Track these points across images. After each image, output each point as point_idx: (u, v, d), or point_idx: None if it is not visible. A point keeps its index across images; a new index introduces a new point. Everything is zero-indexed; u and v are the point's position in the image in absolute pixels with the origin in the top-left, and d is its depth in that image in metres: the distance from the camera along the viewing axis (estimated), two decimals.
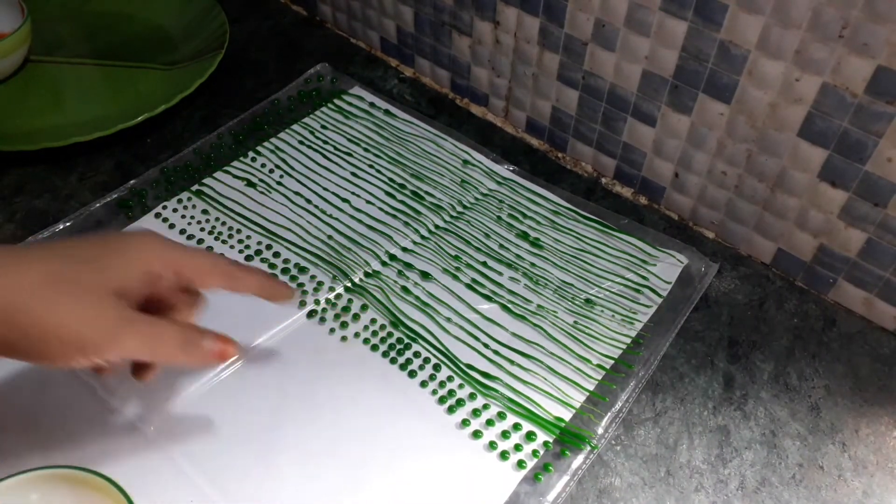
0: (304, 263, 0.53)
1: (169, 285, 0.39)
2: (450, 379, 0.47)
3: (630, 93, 0.55)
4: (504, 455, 0.44)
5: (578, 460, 0.43)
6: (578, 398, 0.46)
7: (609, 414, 0.45)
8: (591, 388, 0.47)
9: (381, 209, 0.57)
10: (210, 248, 0.54)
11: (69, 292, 0.34)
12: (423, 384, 0.47)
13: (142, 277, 0.37)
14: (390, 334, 0.49)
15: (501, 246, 0.55)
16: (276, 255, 0.54)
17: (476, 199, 0.58)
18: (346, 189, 0.59)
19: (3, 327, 0.33)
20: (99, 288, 0.35)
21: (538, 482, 0.43)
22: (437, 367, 0.47)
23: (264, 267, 0.53)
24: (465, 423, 0.45)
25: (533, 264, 0.54)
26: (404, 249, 0.54)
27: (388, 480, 0.42)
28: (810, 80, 0.45)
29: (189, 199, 0.57)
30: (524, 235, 0.56)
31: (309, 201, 0.58)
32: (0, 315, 0.33)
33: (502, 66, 0.63)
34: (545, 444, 0.44)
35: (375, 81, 0.70)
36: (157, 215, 0.56)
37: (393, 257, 0.54)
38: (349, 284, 0.52)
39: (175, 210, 0.56)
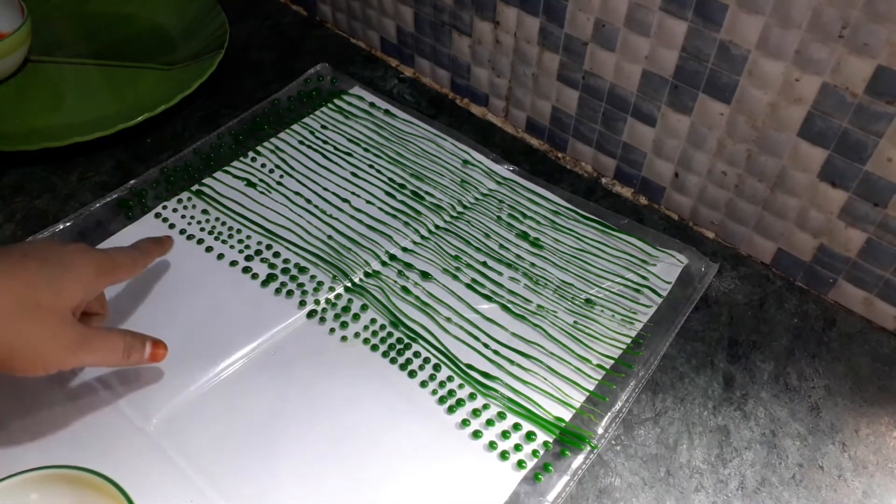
0: (304, 263, 0.53)
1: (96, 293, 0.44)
2: (450, 379, 0.47)
3: (630, 93, 0.55)
4: (504, 455, 0.44)
5: (578, 460, 0.43)
6: (578, 398, 0.46)
7: (609, 414, 0.45)
8: (591, 388, 0.47)
9: (381, 209, 0.57)
10: (210, 249, 0.54)
11: (32, 317, 0.38)
12: (423, 384, 0.47)
13: (89, 293, 0.42)
14: (390, 334, 0.49)
15: (501, 246, 0.55)
16: (276, 255, 0.54)
17: (476, 199, 0.58)
18: (346, 189, 0.59)
19: None
20: (57, 309, 0.39)
21: (538, 482, 0.43)
22: (437, 367, 0.47)
23: (264, 267, 0.53)
24: (465, 423, 0.45)
25: (533, 264, 0.54)
26: (404, 249, 0.54)
27: (388, 480, 0.42)
28: (810, 80, 0.45)
29: (189, 199, 0.57)
30: (524, 235, 0.56)
31: (309, 201, 0.58)
32: None
33: (502, 66, 0.63)
34: (545, 444, 0.44)
35: (375, 81, 0.70)
36: (157, 215, 0.56)
37: (393, 257, 0.54)
38: (349, 284, 0.52)
39: (175, 210, 0.56)
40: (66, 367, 0.40)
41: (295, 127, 0.64)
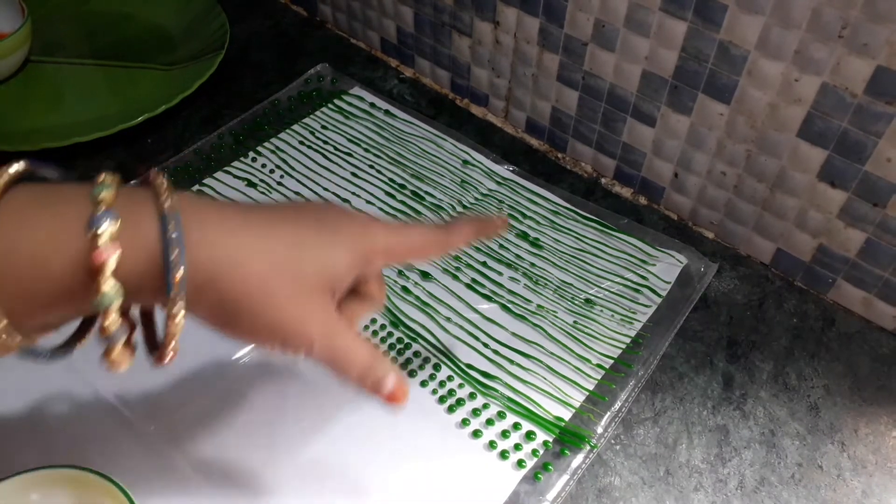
0: None
1: (374, 272, 0.37)
2: (450, 378, 0.47)
3: (630, 93, 0.55)
4: (504, 454, 0.44)
5: (578, 459, 0.43)
6: (578, 398, 0.46)
7: (608, 413, 0.46)
8: (591, 387, 0.47)
9: (381, 209, 0.57)
10: None
11: (288, 287, 0.32)
12: (423, 384, 0.47)
13: (358, 271, 0.35)
14: (390, 334, 0.49)
15: (501, 246, 0.55)
16: None
17: (476, 199, 0.59)
18: (346, 189, 0.59)
19: (217, 306, 0.31)
20: (316, 284, 0.33)
21: (538, 481, 0.43)
22: (436, 367, 0.48)
23: None
24: (464, 422, 0.45)
25: (533, 264, 0.54)
26: None
27: (388, 480, 0.42)
28: (810, 81, 0.45)
29: None
30: (524, 235, 0.56)
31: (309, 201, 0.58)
32: (220, 294, 0.31)
33: (502, 67, 0.63)
34: (545, 443, 0.44)
35: (375, 82, 0.70)
36: None
37: None
38: None
39: None
40: (299, 353, 0.33)
41: (295, 127, 0.64)
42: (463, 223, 0.39)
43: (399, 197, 0.58)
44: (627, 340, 0.49)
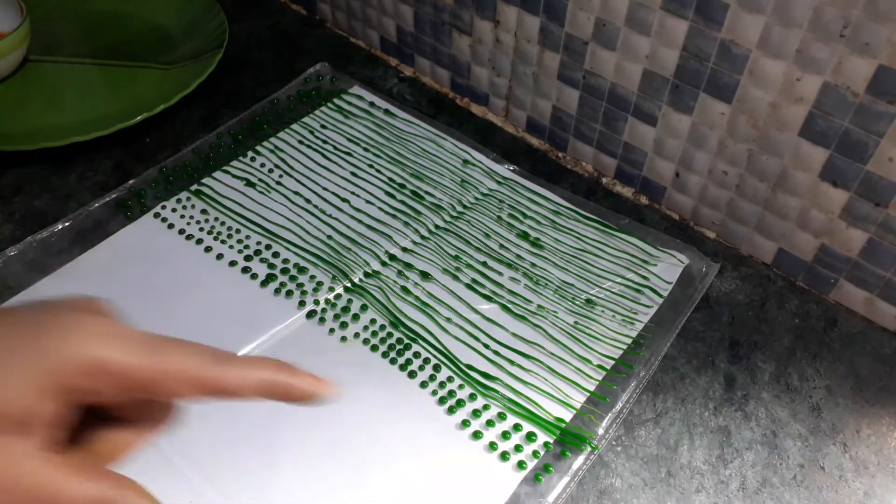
0: (303, 263, 0.53)
1: (115, 396, 0.27)
2: (450, 379, 0.47)
3: (631, 92, 0.55)
4: (504, 456, 0.43)
5: (579, 461, 0.43)
6: (579, 399, 0.46)
7: (610, 414, 0.45)
8: (592, 388, 0.47)
9: (380, 209, 0.57)
10: (209, 249, 0.54)
11: None
12: (423, 385, 0.47)
13: (57, 397, 0.25)
14: (390, 334, 0.49)
15: (501, 246, 0.55)
16: (276, 255, 0.53)
17: (476, 198, 0.58)
18: (345, 189, 0.59)
19: None
20: None
21: (538, 483, 0.42)
22: (437, 368, 0.47)
23: (264, 267, 0.53)
24: (465, 423, 0.45)
25: (533, 264, 0.54)
26: (404, 249, 0.54)
27: (387, 481, 0.42)
28: (811, 80, 0.45)
29: (188, 198, 0.57)
30: (524, 235, 0.56)
31: (308, 201, 0.57)
32: None
33: (502, 66, 0.63)
34: (546, 444, 0.44)
35: (375, 81, 0.70)
36: (156, 215, 0.56)
37: (393, 257, 0.54)
38: (349, 284, 0.52)
39: (174, 210, 0.56)
40: None
41: (294, 126, 0.64)
42: (259, 366, 0.28)
43: (399, 196, 0.58)
44: (629, 341, 0.49)
